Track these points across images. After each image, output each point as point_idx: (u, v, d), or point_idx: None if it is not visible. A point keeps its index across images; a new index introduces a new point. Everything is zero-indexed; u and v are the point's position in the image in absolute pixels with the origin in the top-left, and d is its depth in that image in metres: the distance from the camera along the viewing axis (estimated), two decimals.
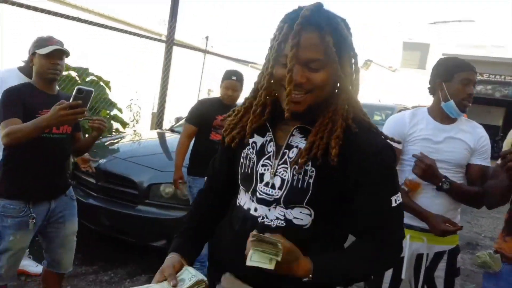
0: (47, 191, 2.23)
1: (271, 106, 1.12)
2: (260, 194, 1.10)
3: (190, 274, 1.09)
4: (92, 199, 3.56)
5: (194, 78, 6.40)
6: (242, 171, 1.15)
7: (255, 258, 0.93)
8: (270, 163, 1.10)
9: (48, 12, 4.22)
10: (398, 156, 2.00)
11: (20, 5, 4.01)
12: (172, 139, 4.69)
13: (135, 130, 5.34)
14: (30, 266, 3.22)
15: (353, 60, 1.07)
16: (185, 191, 3.28)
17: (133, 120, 5.42)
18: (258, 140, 1.13)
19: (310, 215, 1.07)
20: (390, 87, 16.96)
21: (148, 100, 5.90)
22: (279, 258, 0.92)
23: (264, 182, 1.10)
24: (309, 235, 1.07)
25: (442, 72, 2.00)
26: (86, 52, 5.19)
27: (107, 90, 4.97)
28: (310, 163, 1.04)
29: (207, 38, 6.40)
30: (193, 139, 3.27)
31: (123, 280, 3.30)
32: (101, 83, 4.91)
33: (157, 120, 5.66)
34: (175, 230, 1.31)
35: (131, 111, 5.44)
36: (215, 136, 3.18)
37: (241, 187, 1.17)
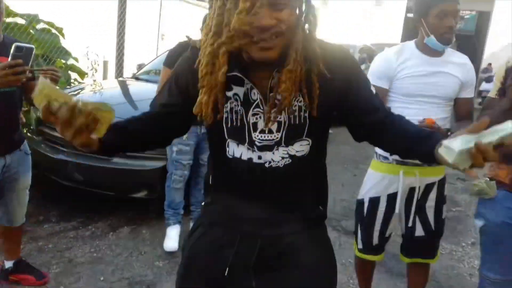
0: (2, 146, 2.17)
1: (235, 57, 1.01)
2: (259, 142, 1.09)
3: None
4: (62, 154, 3.39)
5: (151, 22, 6.05)
6: (230, 125, 1.09)
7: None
8: (261, 111, 1.06)
9: None
10: (385, 95, 2.01)
11: None
12: (136, 87, 4.50)
13: (94, 80, 5.04)
14: None
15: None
16: None
17: (91, 69, 5.09)
18: (239, 90, 1.06)
19: (309, 144, 1.11)
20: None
21: (105, 48, 5.53)
22: None
23: (258, 130, 1.08)
24: (308, 161, 1.13)
25: (419, 8, 1.96)
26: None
27: (61, 38, 4.60)
28: (301, 97, 1.05)
29: None
30: None
31: (106, 234, 3.24)
32: (54, 31, 4.53)
33: (117, 68, 5.37)
34: (155, 180, 1.26)
35: (88, 59, 5.09)
36: None
37: (229, 140, 1.12)
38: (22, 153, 2.31)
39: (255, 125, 1.07)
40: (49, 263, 2.78)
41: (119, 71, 5.37)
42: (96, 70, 5.16)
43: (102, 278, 2.65)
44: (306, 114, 1.07)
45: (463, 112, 2.03)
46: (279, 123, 1.06)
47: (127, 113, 3.33)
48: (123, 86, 4.59)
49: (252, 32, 0.91)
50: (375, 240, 2.15)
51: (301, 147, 1.10)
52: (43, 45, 4.34)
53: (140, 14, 6.03)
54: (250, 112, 1.06)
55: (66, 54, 4.72)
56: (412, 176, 2.02)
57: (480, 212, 1.80)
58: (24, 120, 3.21)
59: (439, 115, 1.95)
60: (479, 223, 1.80)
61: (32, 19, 4.28)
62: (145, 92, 3.32)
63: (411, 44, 2.04)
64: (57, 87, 0.93)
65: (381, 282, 2.83)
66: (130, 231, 3.29)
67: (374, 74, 2.03)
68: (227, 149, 1.13)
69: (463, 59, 2.03)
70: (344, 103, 1.10)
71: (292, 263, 1.16)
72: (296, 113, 1.06)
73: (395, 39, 13.32)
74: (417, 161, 1.93)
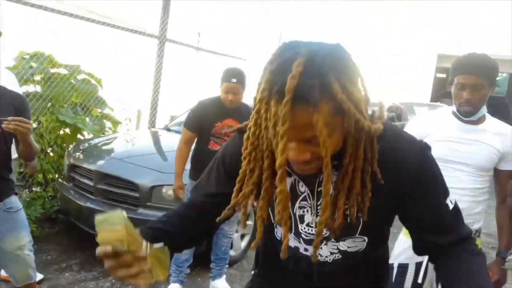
0: None
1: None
2: (306, 236, 1.04)
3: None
4: (90, 202, 3.43)
5: (187, 74, 6.28)
6: (277, 211, 0.97)
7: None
8: (308, 204, 1.01)
9: (32, 5, 4.00)
10: None
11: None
12: (167, 138, 4.59)
13: (128, 129, 5.19)
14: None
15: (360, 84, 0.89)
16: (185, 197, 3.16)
17: (126, 119, 5.26)
18: (287, 180, 0.95)
19: (364, 241, 1.04)
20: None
21: (140, 99, 5.75)
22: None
23: (305, 223, 1.03)
24: (362, 256, 1.05)
25: (449, 75, 1.96)
26: (77, 49, 5.02)
27: (99, 88, 4.81)
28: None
29: (199, 34, 6.28)
30: (194, 144, 3.06)
31: (125, 287, 3.19)
32: (93, 81, 4.75)
33: (150, 119, 5.53)
34: None
35: (124, 109, 5.28)
36: (214, 145, 2.95)
37: (277, 225, 1.09)
38: (0, 211, 2.09)
39: (301, 217, 1.02)
40: None
41: (152, 122, 5.51)
42: (130, 120, 5.32)
43: None
44: (360, 214, 0.95)
45: (503, 184, 1.95)
46: None
47: (157, 164, 3.33)
48: (155, 136, 4.70)
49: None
50: None
51: (354, 243, 1.03)
52: (82, 95, 4.54)
53: (178, 66, 6.27)
54: (297, 205, 1.02)
55: (102, 103, 4.91)
56: None
57: None
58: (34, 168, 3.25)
59: (471, 185, 1.88)
60: None
61: (74, 70, 4.51)
62: (175, 144, 3.37)
63: (449, 109, 2.01)
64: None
65: None
66: (152, 285, 3.22)
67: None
68: (276, 230, 1.10)
69: (505, 127, 1.96)
70: (404, 211, 0.99)
71: None
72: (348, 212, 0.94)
73: (423, 98, 13.31)
74: None
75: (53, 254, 3.59)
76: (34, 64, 4.24)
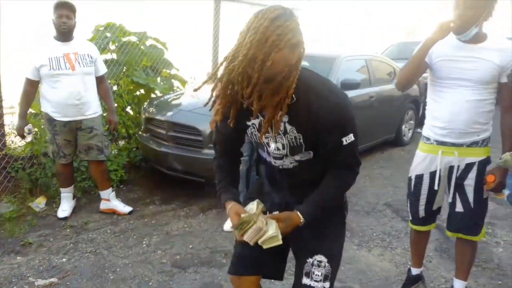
0: None
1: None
2: (273, 154, 1.54)
3: (252, 205, 1.51)
4: (164, 147, 4.07)
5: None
6: (253, 140, 1.56)
7: (267, 245, 1.42)
8: (270, 135, 1.48)
9: None
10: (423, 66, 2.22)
11: None
12: None
13: (194, 88, 5.76)
14: (119, 206, 3.83)
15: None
16: None
17: (191, 78, 5.83)
18: (256, 121, 1.47)
19: (310, 153, 1.50)
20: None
21: (204, 58, 6.27)
22: (280, 237, 1.41)
23: (271, 147, 1.51)
24: (313, 161, 1.52)
25: None
26: (141, 18, 5.61)
27: (165, 51, 5.38)
28: (295, 130, 1.42)
29: None
30: None
31: (198, 214, 3.82)
32: (159, 46, 5.33)
33: (213, 76, 6.04)
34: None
35: (194, 70, 5.86)
36: None
37: (259, 149, 1.63)
38: None
39: (268, 144, 1.52)
40: (151, 234, 3.42)
41: (215, 78, 6.01)
42: (194, 79, 5.88)
43: (191, 246, 3.20)
44: (301, 140, 1.44)
45: (505, 96, 2.15)
46: (283, 144, 1.47)
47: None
48: None
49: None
50: (421, 213, 2.38)
51: (304, 156, 1.50)
52: (151, 58, 5.15)
53: (235, 23, 6.64)
54: (263, 136, 1.47)
55: (169, 65, 5.50)
56: (451, 155, 2.21)
57: (508, 183, 1.94)
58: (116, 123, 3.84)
59: (473, 97, 2.11)
60: (506, 192, 1.94)
61: (142, 36, 5.10)
62: None
63: None
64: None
65: (440, 266, 2.96)
66: (216, 213, 3.82)
67: None
68: (260, 150, 1.65)
69: (504, 44, 2.14)
70: (318, 140, 1.44)
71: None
72: (294, 140, 1.44)
73: None
74: (456, 140, 2.14)
75: (139, 193, 4.33)
76: (108, 34, 4.89)
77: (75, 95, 3.41)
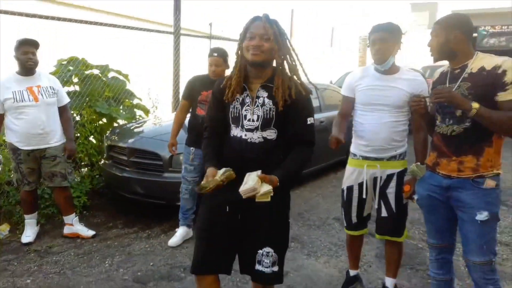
0: None
1: (244, 73, 1.94)
2: (246, 126, 1.93)
3: (221, 171, 1.86)
4: (126, 173, 4.28)
5: (201, 62, 6.99)
6: (233, 115, 1.97)
7: (259, 199, 1.76)
8: (249, 108, 1.93)
9: (53, 18, 4.65)
10: (350, 103, 2.62)
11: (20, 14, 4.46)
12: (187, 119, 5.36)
13: (155, 116, 6.02)
14: (82, 230, 3.99)
15: (289, 44, 1.93)
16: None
17: (152, 107, 6.09)
18: (240, 97, 1.97)
19: (275, 133, 1.94)
20: (402, 50, 17.14)
21: (164, 87, 6.55)
22: (271, 195, 1.77)
23: (247, 119, 1.93)
24: (274, 143, 1.96)
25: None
26: (103, 51, 5.87)
27: (127, 83, 5.65)
28: (271, 103, 1.91)
29: (210, 25, 6.99)
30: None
31: (159, 235, 4.02)
32: (121, 77, 5.59)
33: (174, 104, 6.33)
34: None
35: (150, 99, 6.11)
36: (200, 111, 3.61)
37: (232, 125, 1.99)
38: None
39: (245, 116, 1.93)
40: (114, 255, 3.59)
41: (176, 106, 6.30)
42: (156, 107, 6.15)
43: (152, 264, 3.41)
44: (273, 112, 1.90)
45: (415, 119, 2.56)
46: (258, 116, 1.91)
47: (179, 138, 4.02)
48: None
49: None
50: (354, 219, 2.72)
51: (270, 134, 1.93)
52: (113, 89, 5.41)
53: (193, 55, 6.99)
54: (244, 108, 1.92)
55: (131, 95, 5.76)
56: (374, 168, 2.58)
57: (416, 189, 2.31)
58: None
59: (389, 119, 2.50)
60: (415, 197, 2.31)
61: (104, 69, 5.37)
62: None
63: (371, 66, 2.63)
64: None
65: (378, 269, 3.30)
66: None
67: (344, 84, 2.67)
68: (231, 131, 2.00)
69: (412, 75, 2.57)
70: (289, 115, 1.92)
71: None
72: (267, 111, 1.90)
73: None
74: (377, 155, 2.51)
75: (102, 218, 4.49)
76: (71, 68, 5.12)
77: (38, 125, 3.61)
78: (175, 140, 3.81)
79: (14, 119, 3.59)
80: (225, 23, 8.04)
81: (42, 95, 3.65)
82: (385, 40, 2.45)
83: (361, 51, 16.70)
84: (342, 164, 6.57)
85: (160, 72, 6.74)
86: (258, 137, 1.92)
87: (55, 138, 3.76)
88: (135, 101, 5.91)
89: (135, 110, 5.89)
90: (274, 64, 1.95)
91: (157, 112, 6.25)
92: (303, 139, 1.95)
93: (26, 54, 3.56)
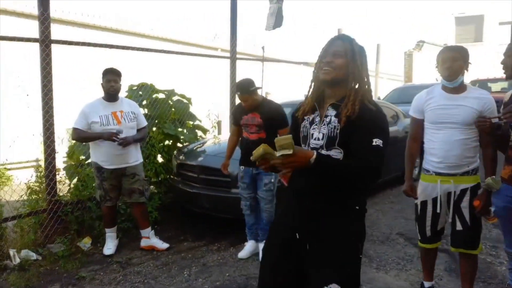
0: None
1: (316, 95, 1.94)
2: (312, 145, 1.87)
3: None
4: (195, 188, 4.56)
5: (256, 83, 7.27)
6: (302, 134, 1.95)
7: (280, 153, 1.61)
8: (317, 127, 1.87)
9: (128, 48, 5.20)
10: (420, 124, 2.76)
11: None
12: None
13: (215, 135, 6.33)
14: (157, 243, 4.27)
15: (367, 71, 1.89)
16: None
17: (212, 127, 6.41)
18: (310, 116, 1.94)
19: (341, 152, 1.81)
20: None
21: (223, 109, 6.88)
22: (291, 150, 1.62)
23: (313, 138, 1.87)
24: None
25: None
26: (168, 76, 6.28)
27: (190, 105, 6.00)
28: (336, 121, 1.80)
29: (263, 48, 7.30)
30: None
31: (228, 248, 4.25)
32: (185, 100, 5.95)
33: (230, 124, 6.63)
34: None
35: (209, 120, 6.45)
36: (245, 134, 3.90)
37: (302, 144, 1.96)
38: None
39: (312, 135, 1.89)
40: (190, 266, 3.84)
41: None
42: (215, 127, 6.47)
43: (227, 274, 3.62)
44: (338, 131, 1.79)
45: (483, 136, 2.64)
46: (323, 134, 1.83)
47: (238, 155, 4.33)
48: None
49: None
50: (428, 233, 2.82)
51: (335, 153, 1.81)
52: (178, 112, 5.76)
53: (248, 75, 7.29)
54: (312, 127, 1.91)
55: (193, 117, 6.10)
56: (448, 183, 2.69)
57: (492, 201, 2.41)
58: None
59: (460, 136, 2.62)
60: (492, 208, 2.40)
61: (170, 93, 5.74)
62: None
63: (438, 86, 2.77)
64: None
65: (449, 282, 3.36)
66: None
67: (412, 107, 2.82)
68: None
69: (482, 93, 2.68)
70: (354, 134, 1.77)
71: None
72: (332, 129, 1.80)
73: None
74: (450, 171, 2.63)
75: (172, 232, 4.78)
76: (140, 93, 5.53)
77: (120, 146, 3.96)
78: (227, 161, 4.13)
79: (100, 141, 3.95)
80: (276, 45, 8.36)
81: (124, 119, 4.01)
82: (456, 59, 2.60)
83: (406, 66, 16.63)
84: (398, 181, 6.64)
85: (220, 94, 7.09)
86: None
87: (134, 157, 4.10)
88: (196, 122, 6.25)
89: (196, 130, 6.23)
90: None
91: (215, 132, 6.58)
92: (365, 162, 1.70)
93: (109, 82, 3.94)
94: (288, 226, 1.93)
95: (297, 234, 1.88)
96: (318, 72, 1.87)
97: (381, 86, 13.16)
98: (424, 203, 2.82)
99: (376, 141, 1.71)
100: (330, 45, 1.86)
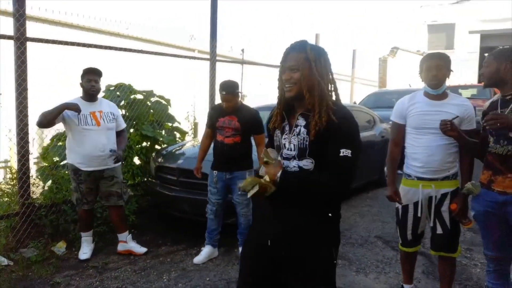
0: None
1: (284, 106, 1.92)
2: (284, 155, 1.88)
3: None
4: (175, 192, 4.50)
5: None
6: (276, 143, 1.96)
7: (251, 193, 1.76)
8: (287, 137, 1.87)
9: (100, 47, 5.05)
10: (401, 129, 2.80)
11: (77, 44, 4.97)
12: None
13: (194, 137, 6.28)
14: (135, 247, 4.19)
15: (330, 75, 1.85)
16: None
17: (191, 129, 6.35)
18: (280, 126, 1.92)
19: (312, 163, 1.81)
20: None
21: (202, 110, 6.83)
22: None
23: (286, 148, 1.88)
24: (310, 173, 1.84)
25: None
26: (147, 77, 6.19)
27: (169, 107, 5.92)
28: (305, 132, 1.80)
29: (242, 50, 7.30)
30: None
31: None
32: (163, 102, 5.88)
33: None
34: None
35: (188, 121, 6.38)
36: (219, 137, 3.86)
37: (276, 150, 1.97)
38: None
39: (284, 145, 1.90)
40: (169, 270, 3.78)
41: None
42: (193, 129, 6.41)
43: (208, 279, 3.58)
44: (307, 142, 1.79)
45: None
46: (294, 145, 1.83)
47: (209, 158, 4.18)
48: None
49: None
50: (409, 237, 2.86)
51: (306, 163, 1.81)
52: (156, 113, 5.68)
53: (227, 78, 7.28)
54: (283, 137, 1.91)
55: (172, 119, 6.02)
56: (429, 188, 2.74)
57: (472, 205, 2.47)
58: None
59: (442, 142, 2.67)
60: (472, 213, 2.47)
61: (148, 94, 5.66)
62: None
63: (420, 92, 2.82)
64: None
65: (427, 285, 3.42)
66: (225, 251, 4.21)
67: (393, 112, 2.86)
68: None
69: (461, 100, 2.75)
70: (324, 145, 1.76)
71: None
72: (302, 141, 1.80)
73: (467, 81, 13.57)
74: (432, 176, 2.67)
75: (150, 236, 4.69)
76: (118, 93, 5.42)
77: (99, 147, 3.87)
78: (199, 165, 4.08)
79: (77, 141, 3.84)
80: (253, 47, 8.37)
81: (103, 120, 3.92)
82: (441, 67, 2.65)
83: (381, 72, 16.96)
84: (374, 185, 6.75)
85: (199, 95, 7.03)
86: (294, 166, 1.84)
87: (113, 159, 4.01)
88: (175, 124, 6.17)
89: (175, 132, 6.15)
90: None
91: (195, 134, 6.52)
92: (332, 175, 1.72)
93: (90, 82, 3.85)
94: (263, 233, 1.93)
95: (268, 241, 1.88)
96: (282, 88, 1.88)
97: (357, 91, 13.35)
98: (405, 208, 2.86)
99: (344, 151, 1.71)
100: (285, 59, 1.84)
